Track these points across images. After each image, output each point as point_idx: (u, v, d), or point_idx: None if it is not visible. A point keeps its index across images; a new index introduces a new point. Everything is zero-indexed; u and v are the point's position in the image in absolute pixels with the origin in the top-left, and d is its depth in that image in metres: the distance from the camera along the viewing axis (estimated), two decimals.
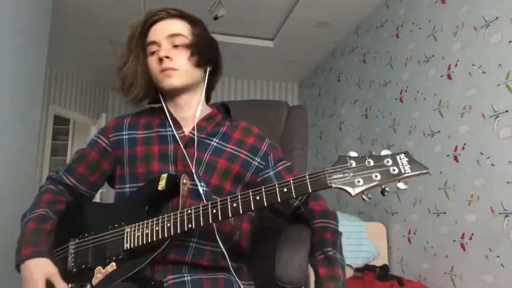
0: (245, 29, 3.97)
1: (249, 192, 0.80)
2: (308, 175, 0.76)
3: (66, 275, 0.88)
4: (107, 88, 5.44)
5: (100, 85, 5.27)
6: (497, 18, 2.13)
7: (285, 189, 0.77)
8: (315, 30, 3.83)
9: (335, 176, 0.74)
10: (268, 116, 1.38)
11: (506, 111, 2.03)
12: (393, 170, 0.72)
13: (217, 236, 0.90)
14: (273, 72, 5.05)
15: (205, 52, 1.00)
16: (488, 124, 2.14)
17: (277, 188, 0.77)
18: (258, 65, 4.76)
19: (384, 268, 2.66)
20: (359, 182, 0.72)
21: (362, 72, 3.64)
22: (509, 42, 2.04)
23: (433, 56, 2.64)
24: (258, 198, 0.78)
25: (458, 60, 2.41)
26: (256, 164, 1.01)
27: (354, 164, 0.74)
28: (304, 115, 1.35)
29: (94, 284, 0.85)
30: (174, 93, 1.00)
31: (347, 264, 2.78)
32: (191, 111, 1.02)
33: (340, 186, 0.74)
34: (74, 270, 0.89)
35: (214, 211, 0.80)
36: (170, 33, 0.97)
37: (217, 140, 1.00)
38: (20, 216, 0.97)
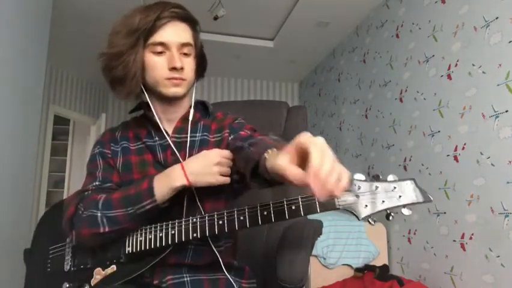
0: (245, 29, 3.96)
1: (256, 206, 0.80)
2: None
3: (63, 275, 0.88)
4: (107, 88, 5.43)
5: (100, 85, 5.26)
6: (497, 18, 2.13)
7: (293, 207, 0.78)
8: (315, 30, 3.83)
9: (343, 198, 0.76)
10: (268, 116, 1.38)
11: (506, 111, 2.03)
12: (400, 197, 0.75)
13: (208, 237, 0.89)
14: (273, 72, 5.04)
15: (204, 64, 1.03)
16: (488, 124, 2.14)
17: (285, 206, 0.78)
18: (258, 65, 4.75)
19: (384, 268, 2.66)
20: (366, 206, 0.74)
21: (362, 72, 3.64)
22: (509, 42, 2.04)
23: (433, 56, 2.64)
24: (265, 213, 0.79)
25: (458, 60, 2.41)
26: (226, 135, 0.98)
27: (362, 189, 0.75)
28: (304, 115, 1.35)
29: (92, 285, 0.85)
30: (167, 98, 0.98)
31: (347, 264, 2.78)
32: (177, 114, 1.01)
33: (348, 209, 0.76)
34: (72, 269, 0.89)
35: (221, 222, 0.81)
36: (182, 42, 0.93)
37: (199, 134, 1.00)
38: (19, 216, 0.94)
